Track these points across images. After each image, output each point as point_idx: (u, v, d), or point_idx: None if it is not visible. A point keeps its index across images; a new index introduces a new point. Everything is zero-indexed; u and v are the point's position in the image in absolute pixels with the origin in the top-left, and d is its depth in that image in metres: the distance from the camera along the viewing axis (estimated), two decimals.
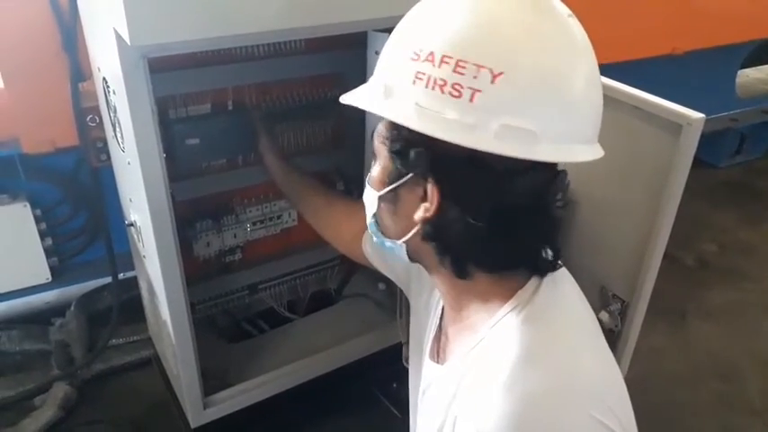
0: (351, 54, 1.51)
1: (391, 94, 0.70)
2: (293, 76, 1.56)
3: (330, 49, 1.54)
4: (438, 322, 0.92)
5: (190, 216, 1.57)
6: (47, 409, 1.78)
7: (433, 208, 0.72)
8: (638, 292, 1.10)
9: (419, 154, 0.70)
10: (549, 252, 0.77)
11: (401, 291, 1.22)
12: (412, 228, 0.76)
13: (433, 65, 0.65)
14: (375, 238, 0.85)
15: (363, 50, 1.44)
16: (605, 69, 1.16)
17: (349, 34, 1.31)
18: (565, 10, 0.71)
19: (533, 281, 0.77)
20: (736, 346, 2.26)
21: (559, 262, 0.79)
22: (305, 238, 1.80)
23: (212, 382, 1.51)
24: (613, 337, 1.16)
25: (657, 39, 2.60)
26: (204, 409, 1.48)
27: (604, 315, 1.17)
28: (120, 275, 1.85)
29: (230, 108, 1.51)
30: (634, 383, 1.20)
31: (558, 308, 0.77)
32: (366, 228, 0.86)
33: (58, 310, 2.02)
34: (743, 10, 2.82)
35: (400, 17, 1.26)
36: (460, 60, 0.64)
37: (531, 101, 0.64)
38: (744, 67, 3.24)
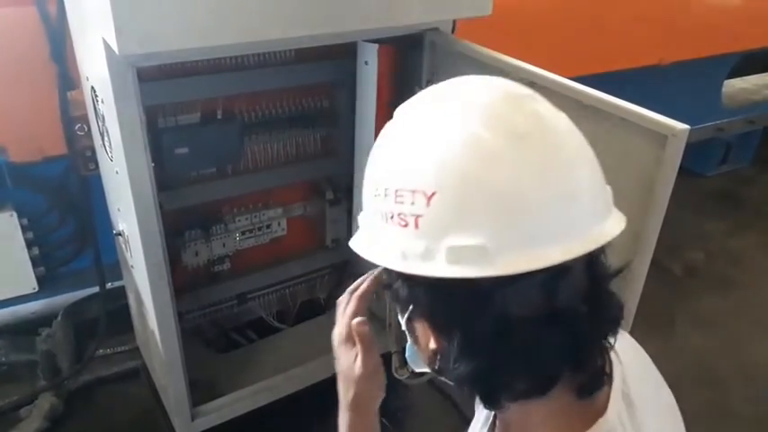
0: (341, 64, 1.51)
1: (364, 228, 0.70)
2: (283, 86, 1.56)
3: (320, 59, 1.54)
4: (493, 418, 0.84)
5: (178, 225, 1.57)
6: (33, 421, 1.76)
7: (432, 340, 0.68)
8: (625, 301, 1.09)
9: (399, 288, 0.68)
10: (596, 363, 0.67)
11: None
12: (433, 360, 0.70)
13: (383, 198, 0.64)
14: (415, 367, 0.81)
15: (353, 60, 1.44)
16: (592, 80, 1.18)
17: (339, 44, 1.32)
18: (514, 94, 0.66)
19: (605, 389, 0.68)
20: (724, 354, 2.27)
21: (606, 370, 0.68)
22: (294, 247, 1.80)
23: (200, 392, 1.51)
24: None
25: (644, 50, 2.63)
26: (192, 419, 1.47)
27: None
28: (108, 285, 1.84)
29: (220, 117, 1.50)
30: None
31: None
32: None
33: (44, 320, 2.00)
34: (728, 22, 2.86)
35: (389, 28, 1.28)
36: (397, 189, 0.62)
37: (471, 213, 0.59)
38: (730, 77, 3.28)
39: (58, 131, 1.64)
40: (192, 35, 1.03)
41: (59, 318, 1.99)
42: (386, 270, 0.70)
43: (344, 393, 0.88)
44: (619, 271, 0.68)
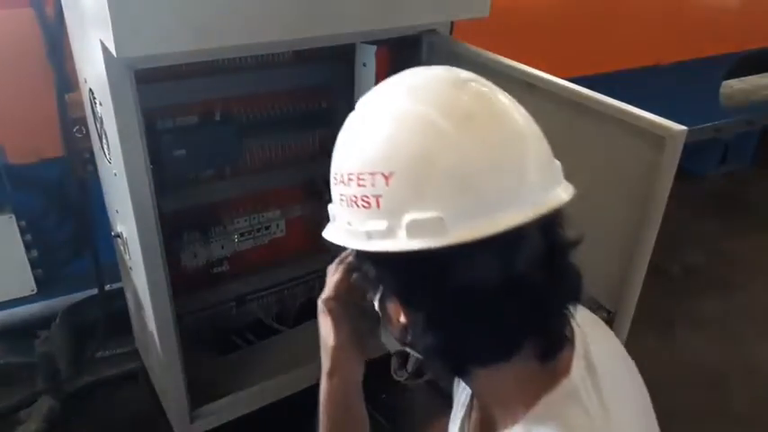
0: (339, 65, 1.51)
1: (333, 218, 0.75)
2: (282, 87, 1.56)
3: (318, 61, 1.54)
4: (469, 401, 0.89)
5: (177, 227, 1.57)
6: (31, 424, 1.75)
7: (399, 314, 0.72)
8: (623, 303, 1.10)
9: (369, 269, 0.73)
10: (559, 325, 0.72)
11: None
12: (405, 335, 0.75)
13: (345, 184, 0.69)
14: (390, 348, 0.86)
15: (351, 62, 1.44)
16: (589, 81, 1.18)
17: (337, 46, 1.32)
18: (460, 79, 0.70)
19: (566, 353, 0.73)
20: (723, 355, 2.27)
21: (567, 335, 0.73)
22: (293, 248, 1.80)
23: (199, 394, 1.50)
24: None
25: (642, 50, 2.63)
26: (191, 422, 1.47)
27: None
28: (107, 287, 1.84)
29: (218, 119, 1.50)
30: None
31: (599, 398, 0.72)
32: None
33: (43, 322, 2.00)
34: (726, 22, 2.86)
35: (387, 30, 1.28)
36: (359, 174, 0.67)
37: (427, 189, 0.64)
38: (728, 77, 3.28)
39: (56, 133, 1.64)
40: (190, 37, 1.03)
41: (58, 320, 1.99)
42: (355, 254, 0.75)
43: (324, 361, 0.95)
44: (576, 242, 0.73)
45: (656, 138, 0.97)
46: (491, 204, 0.64)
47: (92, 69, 1.22)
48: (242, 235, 1.67)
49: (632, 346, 1.16)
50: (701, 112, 3.11)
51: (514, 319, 0.68)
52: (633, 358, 1.17)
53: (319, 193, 1.74)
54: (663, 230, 1.03)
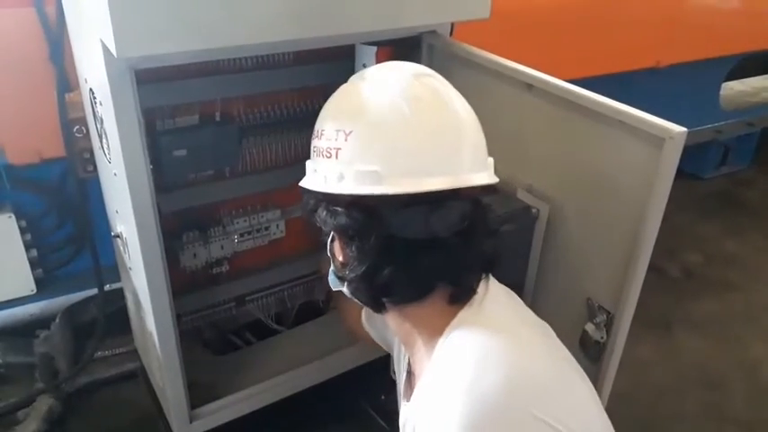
0: (339, 66, 1.51)
1: (307, 169, 0.92)
2: (282, 88, 1.56)
3: (318, 61, 1.54)
4: (407, 367, 1.02)
5: (176, 227, 1.57)
6: (30, 423, 1.75)
7: (340, 253, 0.90)
8: (623, 304, 1.10)
9: (321, 210, 0.88)
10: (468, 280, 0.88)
11: None
12: (342, 271, 0.90)
13: (318, 138, 0.88)
14: (333, 287, 0.97)
15: (351, 62, 1.44)
16: (589, 83, 1.18)
17: (337, 46, 1.32)
18: (419, 73, 0.89)
19: (477, 298, 0.89)
20: (722, 357, 2.27)
21: (476, 289, 0.89)
22: (292, 249, 1.80)
23: (199, 394, 1.50)
24: (599, 348, 1.17)
25: (641, 52, 2.63)
26: (191, 422, 1.47)
27: (590, 327, 1.17)
28: (106, 287, 1.84)
29: (218, 119, 1.50)
30: (621, 395, 1.21)
31: (500, 319, 0.88)
32: (360, 309, 1.03)
33: (42, 322, 2.00)
34: (726, 24, 2.86)
35: (387, 31, 1.28)
36: (327, 130, 0.87)
37: (373, 148, 0.82)
38: (727, 79, 3.28)
39: (57, 133, 1.64)
40: (190, 37, 1.03)
41: (57, 320, 1.99)
42: (312, 198, 0.90)
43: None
44: (494, 230, 0.92)
45: (656, 139, 0.97)
46: (421, 169, 0.81)
47: (92, 69, 1.22)
48: (242, 235, 1.67)
49: (631, 348, 1.17)
50: (702, 113, 3.11)
51: (426, 269, 0.85)
52: (632, 360, 1.18)
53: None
54: (662, 231, 1.03)
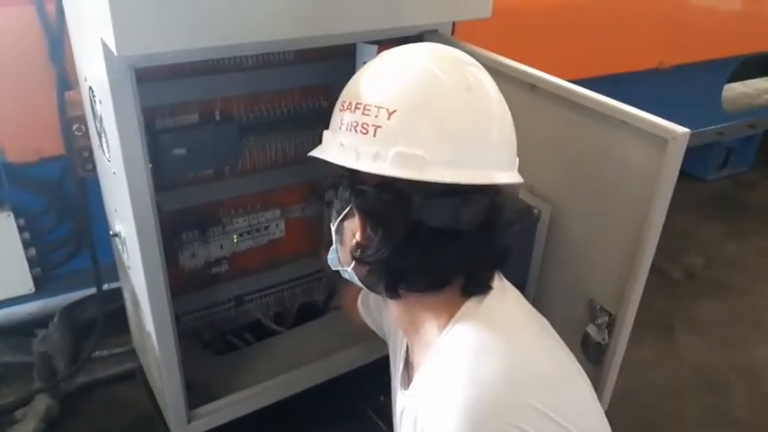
0: (340, 65, 1.51)
1: (327, 140, 0.88)
2: (282, 87, 1.56)
3: (319, 60, 1.54)
4: (404, 356, 1.02)
5: (175, 227, 1.56)
6: (28, 423, 1.75)
7: (359, 233, 0.85)
8: (625, 305, 1.10)
9: (345, 186, 0.85)
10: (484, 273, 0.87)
11: None
12: (354, 251, 0.87)
13: (351, 111, 0.83)
14: (332, 267, 0.96)
15: (352, 61, 1.44)
16: (592, 83, 1.17)
17: (338, 45, 1.32)
18: (467, 61, 0.86)
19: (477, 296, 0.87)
20: (724, 359, 2.26)
21: (492, 285, 0.88)
22: (292, 249, 1.79)
23: (197, 395, 1.50)
24: (601, 350, 1.16)
25: (644, 53, 2.62)
26: (189, 422, 1.46)
27: (592, 328, 1.17)
28: (105, 286, 1.83)
29: (218, 118, 1.50)
30: (622, 396, 1.20)
31: (503, 313, 0.88)
32: (359, 291, 1.00)
33: (41, 321, 1.99)
34: (729, 25, 2.85)
35: (388, 29, 1.27)
36: (367, 105, 0.81)
37: (420, 132, 0.79)
38: (730, 81, 3.27)
39: (56, 132, 1.63)
40: (190, 36, 1.02)
41: (56, 319, 1.98)
42: (334, 173, 0.87)
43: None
44: (509, 223, 0.95)
45: (659, 140, 0.97)
46: (462, 162, 0.80)
47: (92, 67, 1.21)
48: (241, 235, 1.66)
49: (631, 349, 1.16)
50: (704, 115, 3.11)
51: (448, 260, 0.83)
52: (633, 361, 1.17)
53: (320, 194, 1.74)
54: (664, 233, 1.03)
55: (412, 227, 0.80)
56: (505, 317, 0.88)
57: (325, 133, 0.89)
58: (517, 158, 0.89)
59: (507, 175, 0.85)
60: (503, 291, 0.91)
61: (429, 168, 0.78)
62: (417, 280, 0.86)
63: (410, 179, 0.78)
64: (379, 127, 0.79)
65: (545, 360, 0.85)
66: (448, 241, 0.82)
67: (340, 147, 0.84)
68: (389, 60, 0.86)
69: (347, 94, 0.86)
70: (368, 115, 0.80)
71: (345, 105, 0.84)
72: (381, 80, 0.83)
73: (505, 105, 0.86)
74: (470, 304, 0.86)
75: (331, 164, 0.85)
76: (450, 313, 0.86)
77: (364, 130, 0.80)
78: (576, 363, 0.90)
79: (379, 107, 0.80)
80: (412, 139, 0.78)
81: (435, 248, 0.82)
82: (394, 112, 0.79)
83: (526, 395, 0.77)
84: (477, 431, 0.74)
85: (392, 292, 0.88)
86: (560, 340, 0.92)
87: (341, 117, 0.85)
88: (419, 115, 0.79)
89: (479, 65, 0.87)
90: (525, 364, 0.81)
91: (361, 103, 0.82)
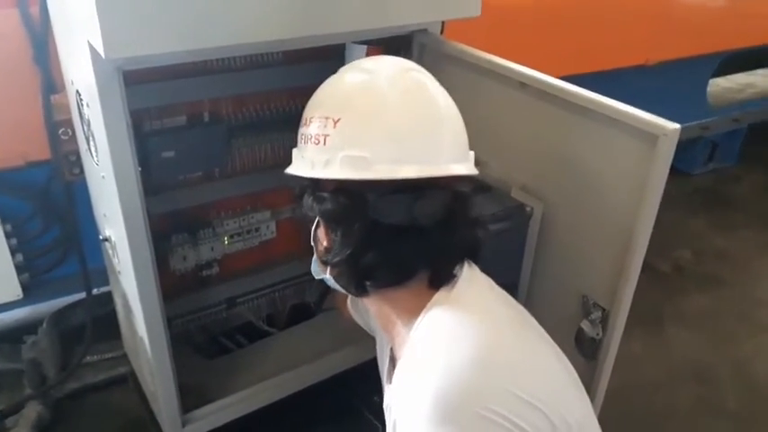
0: (329, 65, 1.50)
1: (294, 156, 0.94)
2: (271, 88, 1.55)
3: (308, 61, 1.53)
4: (390, 353, 1.04)
5: (165, 229, 1.55)
6: (19, 430, 1.73)
7: (325, 238, 0.92)
8: (618, 300, 1.10)
9: (308, 195, 0.90)
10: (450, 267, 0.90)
11: None
12: (325, 257, 0.92)
13: (306, 126, 0.90)
14: (315, 276, 1.01)
15: (341, 62, 1.43)
16: (578, 80, 1.18)
17: (327, 46, 1.31)
18: (409, 67, 0.92)
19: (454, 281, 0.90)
20: (713, 351, 2.28)
21: (456, 274, 0.91)
22: (283, 250, 1.79)
23: (190, 398, 1.49)
24: (595, 345, 1.17)
25: (630, 50, 2.64)
26: (182, 426, 1.46)
27: (586, 324, 1.17)
28: (94, 291, 1.82)
29: (206, 120, 1.49)
30: (612, 390, 1.21)
31: (474, 301, 0.90)
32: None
33: (29, 327, 1.97)
34: (713, 22, 2.88)
35: (378, 29, 1.27)
36: (316, 117, 0.88)
37: (362, 134, 0.85)
38: (714, 76, 3.30)
39: (42, 136, 1.61)
40: (179, 38, 1.02)
41: (45, 325, 1.96)
42: (299, 184, 0.92)
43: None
44: (476, 219, 0.93)
45: (650, 136, 0.97)
46: (406, 158, 0.84)
47: (79, 71, 1.20)
48: (231, 237, 1.65)
49: (622, 343, 1.17)
50: (689, 110, 3.13)
51: (408, 255, 0.87)
52: (623, 355, 1.18)
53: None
54: (653, 228, 1.03)
55: (369, 225, 0.85)
56: (476, 304, 0.90)
57: (294, 151, 0.94)
58: (471, 152, 0.93)
59: (457, 167, 0.88)
60: (472, 279, 0.93)
61: (374, 167, 0.83)
62: (381, 276, 0.89)
63: (360, 179, 0.83)
64: (328, 135, 0.86)
65: (516, 343, 0.87)
66: (407, 236, 0.85)
67: (301, 159, 0.90)
68: (337, 74, 0.93)
69: (305, 111, 0.92)
70: (318, 126, 0.87)
71: (303, 122, 0.91)
72: (327, 93, 0.91)
73: (450, 102, 0.91)
74: (440, 295, 0.89)
75: (297, 177, 0.91)
76: (421, 305, 0.89)
77: (317, 141, 0.87)
78: (555, 346, 0.92)
79: (327, 117, 0.86)
80: (356, 143, 0.84)
81: (394, 244, 0.86)
82: (338, 120, 0.85)
83: (498, 379, 0.79)
84: (448, 417, 0.76)
85: (360, 289, 0.92)
86: (538, 325, 0.94)
87: (301, 133, 0.91)
88: (360, 120, 0.85)
89: (422, 69, 0.93)
90: (497, 349, 0.83)
91: (313, 117, 0.89)
